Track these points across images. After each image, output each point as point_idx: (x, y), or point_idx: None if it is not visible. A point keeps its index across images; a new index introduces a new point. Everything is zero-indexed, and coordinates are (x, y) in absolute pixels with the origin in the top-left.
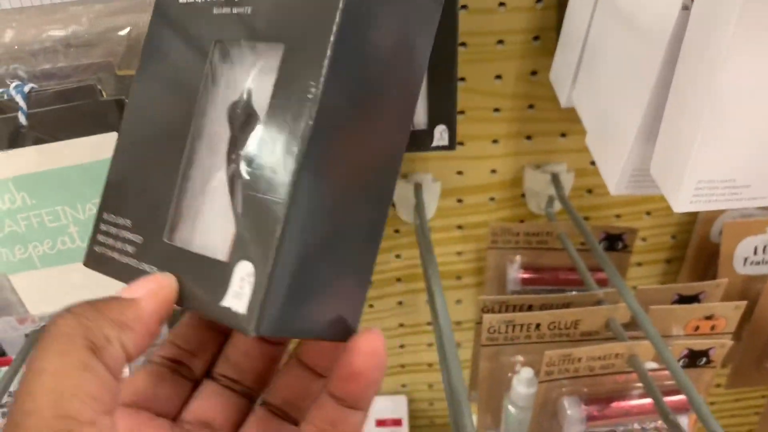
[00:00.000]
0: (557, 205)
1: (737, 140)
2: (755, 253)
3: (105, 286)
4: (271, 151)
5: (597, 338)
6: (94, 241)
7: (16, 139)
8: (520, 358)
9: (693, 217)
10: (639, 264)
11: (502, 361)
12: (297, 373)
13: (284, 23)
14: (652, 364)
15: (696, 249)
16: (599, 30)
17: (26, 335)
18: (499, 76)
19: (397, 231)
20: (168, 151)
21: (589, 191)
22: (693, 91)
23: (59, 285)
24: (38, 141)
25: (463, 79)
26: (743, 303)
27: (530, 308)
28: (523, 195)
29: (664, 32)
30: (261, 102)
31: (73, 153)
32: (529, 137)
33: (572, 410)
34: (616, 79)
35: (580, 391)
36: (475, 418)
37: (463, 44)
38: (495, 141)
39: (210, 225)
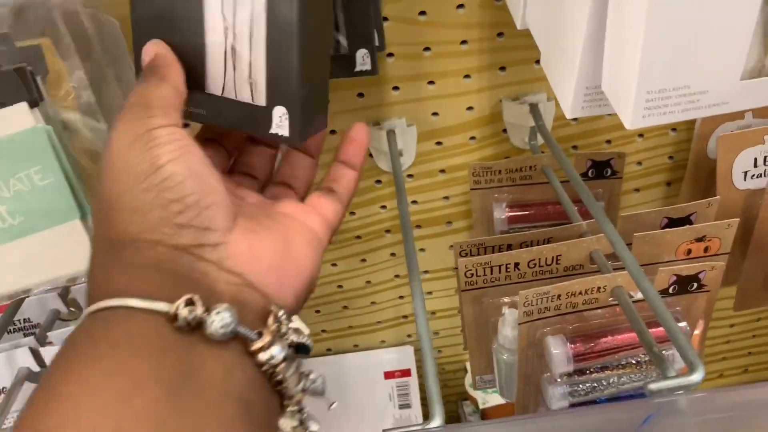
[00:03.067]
0: (541, 138)
1: (686, 42)
2: (755, 165)
3: (45, 265)
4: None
5: (581, 272)
6: None
7: None
8: (505, 299)
9: (689, 134)
10: (637, 190)
11: (486, 304)
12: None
13: None
14: (640, 295)
15: (694, 167)
16: None
17: None
18: (461, 5)
19: (378, 181)
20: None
21: (575, 119)
22: None
23: (2, 264)
24: None
25: (423, 12)
26: (735, 220)
27: (510, 247)
28: (505, 130)
29: None
30: None
31: None
32: (502, 68)
33: (557, 349)
34: None
35: (565, 329)
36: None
37: None
38: (467, 76)
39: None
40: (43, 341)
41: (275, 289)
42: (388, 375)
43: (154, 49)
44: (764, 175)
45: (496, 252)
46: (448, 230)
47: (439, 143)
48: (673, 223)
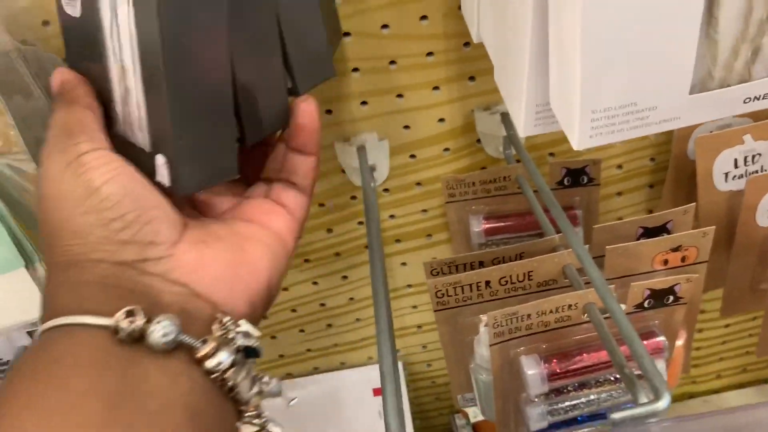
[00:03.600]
0: (514, 147)
1: (628, 58)
2: (736, 166)
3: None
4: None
5: (555, 287)
6: None
7: None
8: (481, 317)
9: (669, 136)
10: (619, 194)
11: (461, 323)
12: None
13: None
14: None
15: (675, 170)
16: None
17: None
18: (424, 17)
19: (353, 197)
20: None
21: None
22: (565, 10)
23: None
24: None
25: (386, 26)
26: (711, 229)
27: (482, 264)
28: (479, 140)
29: None
30: None
31: None
32: (472, 78)
33: (532, 370)
34: (504, 5)
35: (539, 347)
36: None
37: None
38: (436, 88)
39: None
40: None
41: (225, 297)
42: (377, 392)
43: (59, 76)
44: (746, 176)
45: (467, 270)
46: (429, 243)
47: (413, 156)
48: (648, 232)
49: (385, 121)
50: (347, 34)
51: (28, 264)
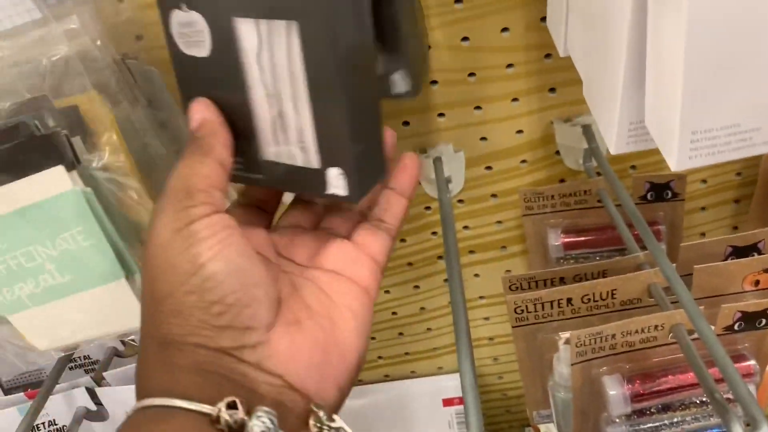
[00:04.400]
0: (596, 161)
1: (731, 76)
2: None
3: (95, 321)
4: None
5: (639, 306)
6: None
7: None
8: (562, 335)
9: None
10: (703, 209)
11: (540, 340)
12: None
13: None
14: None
15: (764, 185)
16: None
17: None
18: (505, 29)
19: (428, 208)
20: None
21: None
22: (668, 29)
23: (55, 320)
24: None
25: (466, 38)
26: None
27: (563, 281)
28: (557, 152)
29: None
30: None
31: (26, 193)
32: (552, 89)
33: (614, 390)
34: (598, 22)
35: (623, 368)
36: None
37: (459, 0)
38: (515, 99)
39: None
40: (99, 381)
41: (317, 386)
42: (447, 402)
43: (201, 114)
44: None
45: (548, 286)
46: (503, 255)
47: (489, 168)
48: (738, 251)
49: (462, 132)
50: (428, 47)
51: (128, 275)
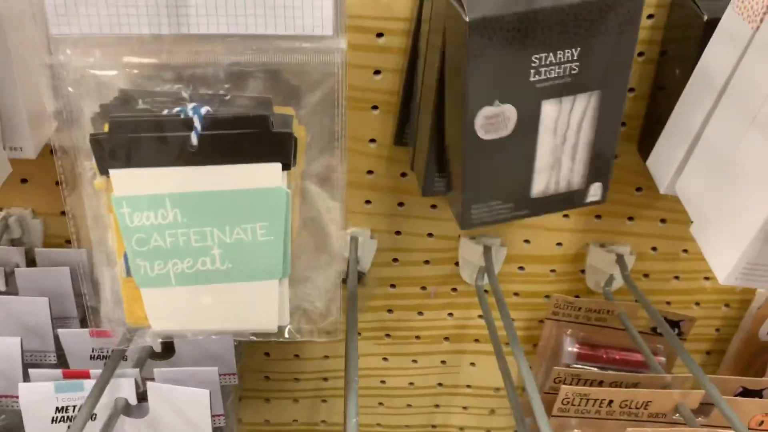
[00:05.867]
0: (615, 285)
1: None
2: None
3: (234, 314)
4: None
5: (663, 421)
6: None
7: (181, 157)
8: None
9: (741, 312)
10: None
11: None
12: None
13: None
14: None
15: (742, 344)
16: (723, 126)
17: (112, 351)
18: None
19: (454, 290)
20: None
21: (646, 275)
22: None
23: (188, 304)
24: (203, 162)
25: None
26: None
27: (601, 384)
28: (582, 271)
29: None
30: None
31: (234, 178)
32: (598, 216)
33: None
34: (739, 174)
35: None
36: None
37: None
38: (566, 215)
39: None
40: (148, 374)
41: None
42: None
43: None
44: None
45: (591, 384)
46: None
47: (521, 267)
48: (746, 392)
49: (511, 230)
50: None
51: (283, 277)
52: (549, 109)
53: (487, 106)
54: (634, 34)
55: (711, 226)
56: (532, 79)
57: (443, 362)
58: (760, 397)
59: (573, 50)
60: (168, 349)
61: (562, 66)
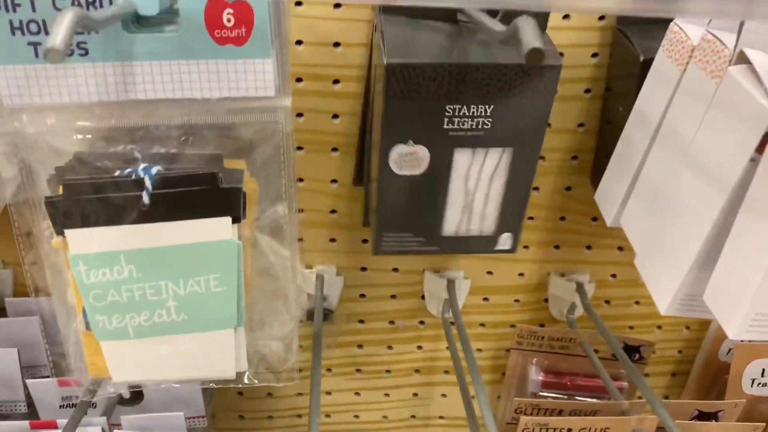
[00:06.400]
0: (577, 312)
1: None
2: (762, 374)
3: (191, 364)
4: None
5: None
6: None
7: (134, 215)
8: None
9: (701, 334)
10: (645, 375)
11: None
12: None
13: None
14: None
15: (703, 365)
16: (658, 163)
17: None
18: (536, 188)
19: (422, 322)
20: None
21: (607, 302)
22: (758, 234)
23: (147, 356)
24: (155, 219)
25: None
26: (761, 425)
27: (560, 413)
28: (546, 300)
29: (730, 178)
30: None
31: (186, 233)
32: (557, 246)
33: None
34: (673, 210)
35: None
36: None
37: None
38: (526, 246)
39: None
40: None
41: None
42: None
43: None
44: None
45: (549, 414)
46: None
47: (486, 299)
48: (702, 415)
49: (474, 262)
50: None
51: (237, 326)
52: (461, 157)
53: (401, 144)
54: (549, 100)
55: (652, 259)
56: (445, 126)
57: (415, 395)
58: (716, 419)
59: (486, 106)
60: (137, 395)
61: (475, 119)
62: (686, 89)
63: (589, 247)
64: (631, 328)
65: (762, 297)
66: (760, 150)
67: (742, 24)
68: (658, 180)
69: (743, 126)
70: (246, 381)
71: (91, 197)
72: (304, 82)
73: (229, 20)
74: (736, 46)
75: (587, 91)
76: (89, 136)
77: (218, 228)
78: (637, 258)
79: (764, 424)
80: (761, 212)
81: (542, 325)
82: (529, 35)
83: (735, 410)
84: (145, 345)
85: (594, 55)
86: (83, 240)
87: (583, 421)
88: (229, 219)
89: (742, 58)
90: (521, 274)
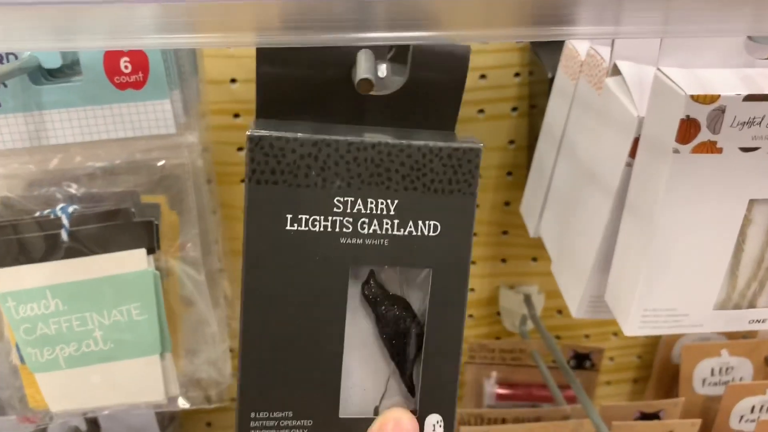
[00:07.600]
0: (531, 324)
1: (675, 275)
2: (712, 374)
3: (120, 390)
4: None
5: None
6: None
7: (56, 252)
8: None
9: (656, 339)
10: (608, 383)
11: None
12: None
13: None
14: None
15: (659, 369)
16: (562, 174)
17: None
18: (477, 205)
19: None
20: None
21: (560, 312)
22: (637, 234)
23: (80, 384)
24: (76, 254)
25: None
26: (698, 421)
27: (504, 421)
28: (498, 313)
29: (612, 183)
30: None
31: (105, 266)
32: (503, 260)
33: None
34: (574, 217)
35: None
36: None
37: None
38: (473, 262)
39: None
40: None
41: None
42: None
43: None
44: (719, 384)
45: (491, 424)
46: None
47: None
48: (644, 416)
49: None
50: None
51: (162, 352)
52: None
53: None
54: None
55: (562, 266)
56: None
57: None
58: (658, 419)
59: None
60: (94, 426)
61: None
62: (579, 101)
63: (535, 259)
64: (587, 336)
65: (648, 293)
66: (632, 154)
67: (613, 41)
68: (564, 190)
69: (618, 132)
70: (180, 404)
71: (14, 238)
72: (241, 117)
73: (126, 67)
74: (610, 59)
75: (514, 109)
76: (14, 181)
77: (134, 259)
78: (553, 265)
79: (700, 419)
80: (638, 214)
81: (498, 338)
82: (362, 67)
83: (676, 409)
84: (77, 374)
85: (516, 74)
86: (10, 277)
87: (524, 428)
88: (143, 250)
89: (616, 71)
90: (472, 289)
